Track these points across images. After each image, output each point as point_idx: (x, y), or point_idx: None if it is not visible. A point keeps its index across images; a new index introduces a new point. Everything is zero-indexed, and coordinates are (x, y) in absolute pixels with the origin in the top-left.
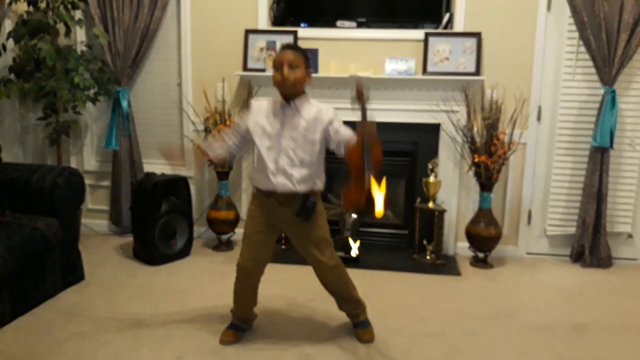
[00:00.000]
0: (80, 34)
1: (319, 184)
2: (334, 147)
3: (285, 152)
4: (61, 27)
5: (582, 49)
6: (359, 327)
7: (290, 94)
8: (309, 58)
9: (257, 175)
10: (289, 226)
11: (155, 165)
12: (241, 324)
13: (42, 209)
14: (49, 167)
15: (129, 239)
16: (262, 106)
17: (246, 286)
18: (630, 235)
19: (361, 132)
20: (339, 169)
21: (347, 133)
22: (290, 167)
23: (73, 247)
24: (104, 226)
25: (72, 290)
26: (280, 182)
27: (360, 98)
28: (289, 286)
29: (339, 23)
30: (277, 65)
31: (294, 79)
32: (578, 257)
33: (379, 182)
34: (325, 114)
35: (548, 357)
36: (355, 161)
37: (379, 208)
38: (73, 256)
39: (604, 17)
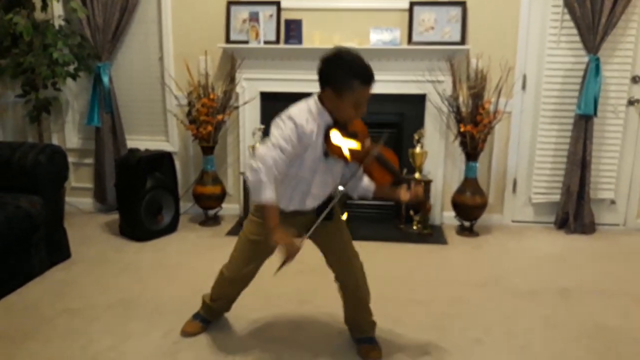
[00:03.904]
0: (57, 8)
1: None
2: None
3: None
4: (37, 1)
5: (567, 16)
6: (366, 343)
7: None
8: None
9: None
10: (313, 232)
11: (138, 141)
12: (210, 317)
13: (25, 187)
14: (31, 144)
15: (115, 216)
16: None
17: (236, 289)
18: (613, 202)
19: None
20: None
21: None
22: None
23: (58, 225)
24: (89, 204)
25: (58, 268)
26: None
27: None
28: None
29: None
30: (361, 102)
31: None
32: (562, 223)
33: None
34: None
35: (535, 321)
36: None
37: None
38: (58, 234)
39: None
